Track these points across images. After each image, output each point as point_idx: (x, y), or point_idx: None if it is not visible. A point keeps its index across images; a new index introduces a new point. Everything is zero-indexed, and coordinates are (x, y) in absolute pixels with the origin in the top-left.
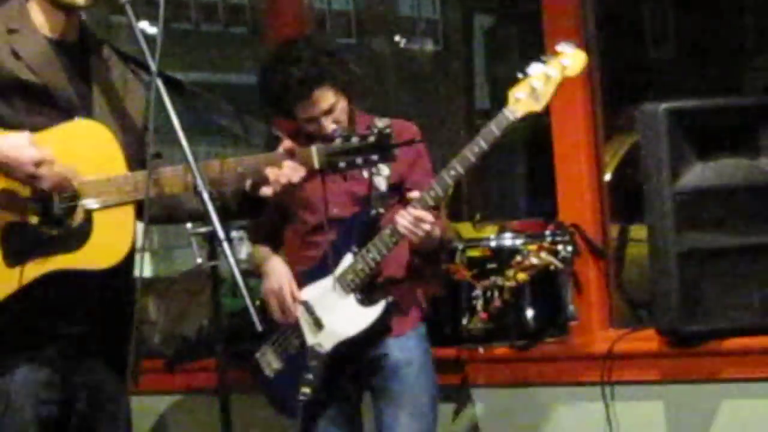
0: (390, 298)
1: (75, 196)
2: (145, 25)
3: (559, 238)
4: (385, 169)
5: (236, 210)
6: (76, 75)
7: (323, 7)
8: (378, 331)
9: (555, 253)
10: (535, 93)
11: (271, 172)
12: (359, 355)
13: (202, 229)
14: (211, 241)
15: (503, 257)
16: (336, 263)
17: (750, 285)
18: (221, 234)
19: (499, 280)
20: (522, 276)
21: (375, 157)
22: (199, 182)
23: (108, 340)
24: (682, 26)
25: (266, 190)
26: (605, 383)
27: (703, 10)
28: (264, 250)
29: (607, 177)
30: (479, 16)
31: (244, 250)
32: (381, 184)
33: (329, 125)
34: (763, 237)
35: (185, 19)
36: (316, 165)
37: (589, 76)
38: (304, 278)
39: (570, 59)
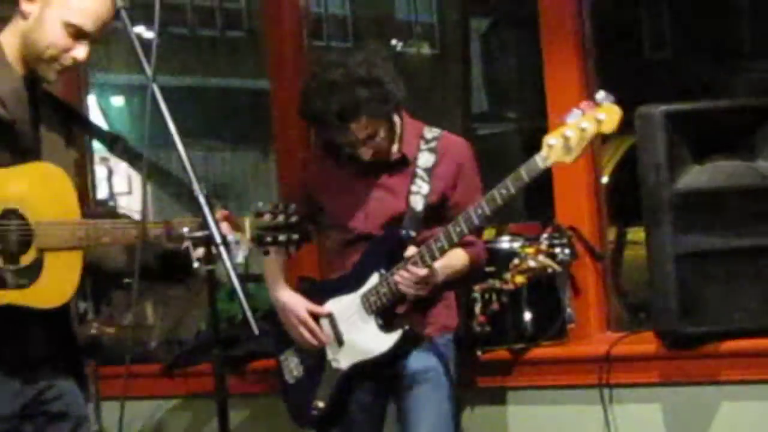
0: (407, 327)
1: (30, 235)
2: (141, 30)
3: (556, 241)
4: (424, 187)
5: (159, 272)
6: (32, 117)
7: (320, 11)
8: (395, 357)
9: (553, 256)
10: (568, 143)
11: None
12: (377, 375)
13: (199, 233)
14: (207, 245)
15: (501, 260)
16: (363, 281)
17: (748, 287)
18: (218, 238)
19: (497, 284)
20: (520, 279)
21: (296, 237)
22: (195, 186)
23: (64, 356)
24: (678, 29)
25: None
26: (603, 386)
27: (699, 13)
28: (274, 272)
29: (605, 179)
30: (476, 19)
31: (241, 254)
32: (418, 203)
33: (367, 152)
34: (760, 239)
35: (182, 23)
36: (247, 236)
37: (585, 78)
38: (331, 289)
39: (606, 113)
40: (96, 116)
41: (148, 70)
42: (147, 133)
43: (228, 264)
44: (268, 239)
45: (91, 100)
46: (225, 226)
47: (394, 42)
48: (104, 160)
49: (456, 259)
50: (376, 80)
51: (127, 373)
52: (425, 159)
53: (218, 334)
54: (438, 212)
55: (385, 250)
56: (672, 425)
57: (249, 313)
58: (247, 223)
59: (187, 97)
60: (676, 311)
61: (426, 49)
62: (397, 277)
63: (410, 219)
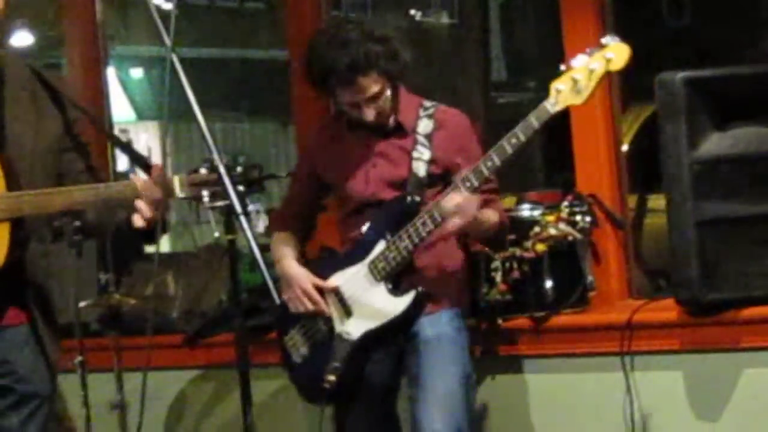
0: (420, 288)
1: None
2: (159, 1)
3: (577, 209)
4: (425, 153)
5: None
6: None
7: None
8: (407, 321)
9: (573, 224)
10: (576, 86)
11: (138, 203)
12: (388, 343)
13: (220, 203)
14: (228, 214)
15: (522, 228)
16: (369, 249)
17: None
18: (238, 208)
19: (518, 251)
20: (540, 247)
21: (241, 188)
22: (216, 157)
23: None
24: None
25: (137, 221)
26: (625, 353)
27: None
28: (282, 247)
29: (625, 147)
30: None
31: (261, 224)
32: (420, 169)
33: (370, 113)
34: None
35: None
36: (178, 194)
37: None
38: (336, 264)
39: (614, 52)
40: (115, 88)
41: (167, 41)
42: (167, 105)
43: (249, 234)
44: (205, 194)
45: (110, 72)
46: (150, 183)
47: (412, 12)
48: (123, 132)
49: (490, 213)
50: (387, 38)
51: (148, 344)
52: (424, 125)
53: (240, 305)
54: (440, 180)
55: (390, 215)
56: (693, 392)
57: (270, 283)
58: (176, 181)
59: (206, 69)
60: (697, 278)
61: (445, 19)
62: (443, 203)
63: (413, 184)
